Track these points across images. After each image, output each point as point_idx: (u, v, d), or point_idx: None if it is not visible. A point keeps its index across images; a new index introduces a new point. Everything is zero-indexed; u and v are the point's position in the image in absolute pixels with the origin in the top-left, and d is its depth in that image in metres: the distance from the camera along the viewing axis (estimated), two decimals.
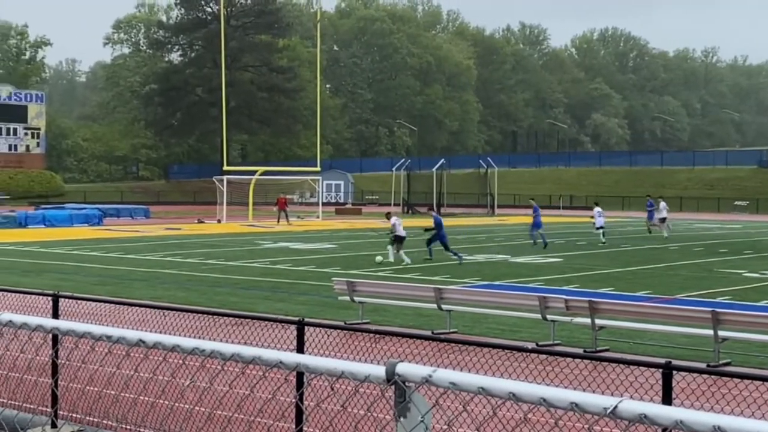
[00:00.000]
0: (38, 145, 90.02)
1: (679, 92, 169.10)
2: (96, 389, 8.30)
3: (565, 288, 21.39)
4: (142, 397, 8.06)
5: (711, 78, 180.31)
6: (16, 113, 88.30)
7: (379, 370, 2.94)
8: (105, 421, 8.77)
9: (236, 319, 11.45)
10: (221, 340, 6.12)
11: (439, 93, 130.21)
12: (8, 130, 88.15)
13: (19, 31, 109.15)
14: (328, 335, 9.70)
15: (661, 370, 6.56)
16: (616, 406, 2.51)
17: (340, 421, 8.06)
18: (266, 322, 10.37)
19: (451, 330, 15.06)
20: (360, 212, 70.40)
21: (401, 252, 27.87)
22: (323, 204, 65.03)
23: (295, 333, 8.65)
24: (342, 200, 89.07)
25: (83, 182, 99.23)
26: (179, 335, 3.91)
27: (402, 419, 2.92)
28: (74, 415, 9.20)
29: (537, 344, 13.27)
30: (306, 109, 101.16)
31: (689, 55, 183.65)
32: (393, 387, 2.92)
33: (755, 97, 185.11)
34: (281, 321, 9.90)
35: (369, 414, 3.61)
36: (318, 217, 59.50)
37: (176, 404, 6.39)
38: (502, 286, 21.23)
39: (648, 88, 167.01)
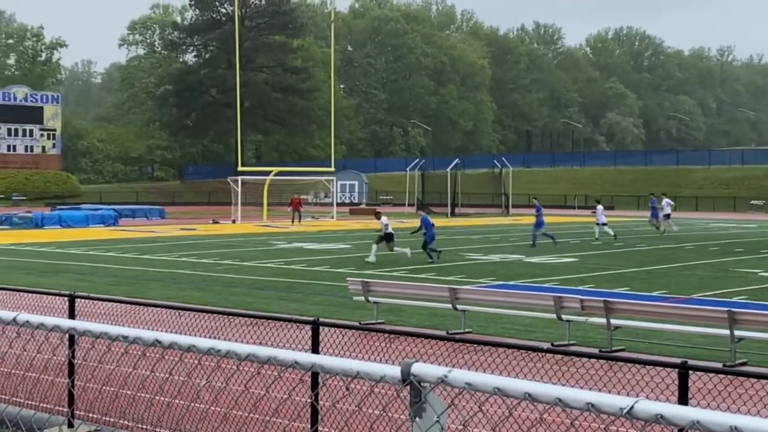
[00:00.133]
0: (54, 146, 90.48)
1: (695, 91, 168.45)
2: (112, 389, 8.33)
3: (580, 288, 21.34)
4: (158, 397, 8.09)
5: (726, 77, 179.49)
6: (32, 114, 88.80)
7: (394, 371, 2.95)
8: (121, 421, 8.81)
9: (251, 319, 11.47)
10: (236, 341, 6.13)
11: (453, 93, 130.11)
12: (24, 131, 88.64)
13: (35, 33, 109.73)
14: (343, 335, 9.70)
15: (677, 370, 6.54)
16: (632, 407, 2.50)
17: (355, 421, 8.07)
18: (281, 323, 10.38)
19: (466, 330, 15.04)
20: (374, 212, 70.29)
21: (396, 248, 28.74)
22: (337, 204, 65.10)
23: (310, 333, 8.66)
24: (356, 200, 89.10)
25: (99, 183, 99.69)
26: (195, 335, 3.93)
27: (417, 419, 2.92)
28: (91, 414, 9.24)
29: (552, 344, 13.23)
30: (320, 110, 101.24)
31: (704, 53, 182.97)
32: (408, 387, 2.92)
33: None
34: (296, 321, 9.92)
35: (384, 414, 3.61)
36: (332, 217, 59.55)
37: (192, 404, 6.42)
38: (516, 286, 21.20)
39: (663, 87, 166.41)
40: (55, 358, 7.99)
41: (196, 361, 3.79)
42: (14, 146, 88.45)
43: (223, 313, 11.45)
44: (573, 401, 2.61)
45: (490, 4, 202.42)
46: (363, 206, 79.02)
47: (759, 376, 7.34)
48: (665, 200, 44.40)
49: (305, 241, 37.84)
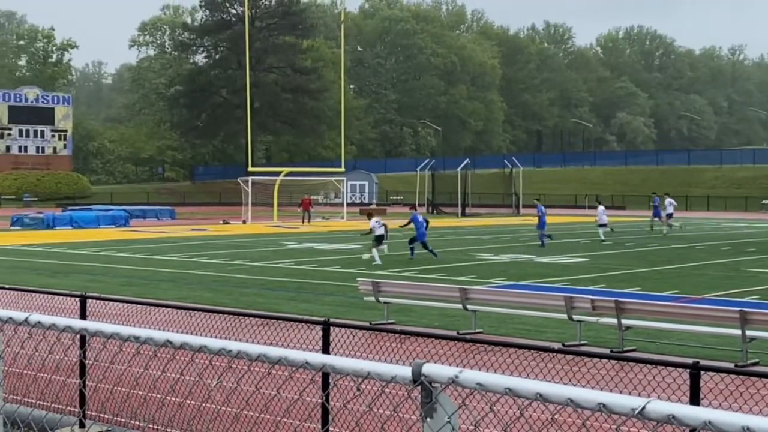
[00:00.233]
0: (65, 147, 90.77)
1: (706, 90, 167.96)
2: (124, 389, 8.35)
3: (591, 288, 21.30)
4: (169, 398, 8.11)
5: (738, 76, 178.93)
6: (44, 115, 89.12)
7: (405, 371, 2.94)
8: (133, 422, 8.83)
9: (262, 319, 11.48)
10: (247, 341, 6.14)
11: (463, 93, 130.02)
12: (36, 132, 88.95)
13: (46, 35, 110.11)
14: (354, 336, 9.71)
15: (688, 370, 6.52)
16: (644, 407, 2.50)
17: (366, 421, 8.07)
18: (292, 323, 10.39)
19: (477, 330, 15.03)
20: (385, 212, 70.35)
21: (375, 249, 28.40)
22: (347, 204, 65.13)
23: (320, 333, 8.66)
24: (366, 201, 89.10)
25: (110, 184, 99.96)
26: (206, 336, 3.93)
27: (429, 420, 2.92)
28: (102, 415, 9.26)
29: (563, 344, 13.21)
30: (330, 110, 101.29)
31: (716, 53, 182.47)
32: (419, 388, 2.92)
33: None
34: (307, 321, 9.92)
35: (395, 414, 3.61)
36: (342, 217, 59.57)
37: (203, 405, 6.42)
38: (527, 286, 21.17)
39: (674, 86, 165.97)
40: (66, 358, 8.01)
41: (207, 362, 3.80)
42: (25, 147, 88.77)
43: (233, 314, 11.46)
44: (584, 401, 2.61)
45: (501, 3, 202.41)
46: (373, 206, 79.02)
47: None
48: (668, 200, 44.22)
49: (315, 242, 37.86)
